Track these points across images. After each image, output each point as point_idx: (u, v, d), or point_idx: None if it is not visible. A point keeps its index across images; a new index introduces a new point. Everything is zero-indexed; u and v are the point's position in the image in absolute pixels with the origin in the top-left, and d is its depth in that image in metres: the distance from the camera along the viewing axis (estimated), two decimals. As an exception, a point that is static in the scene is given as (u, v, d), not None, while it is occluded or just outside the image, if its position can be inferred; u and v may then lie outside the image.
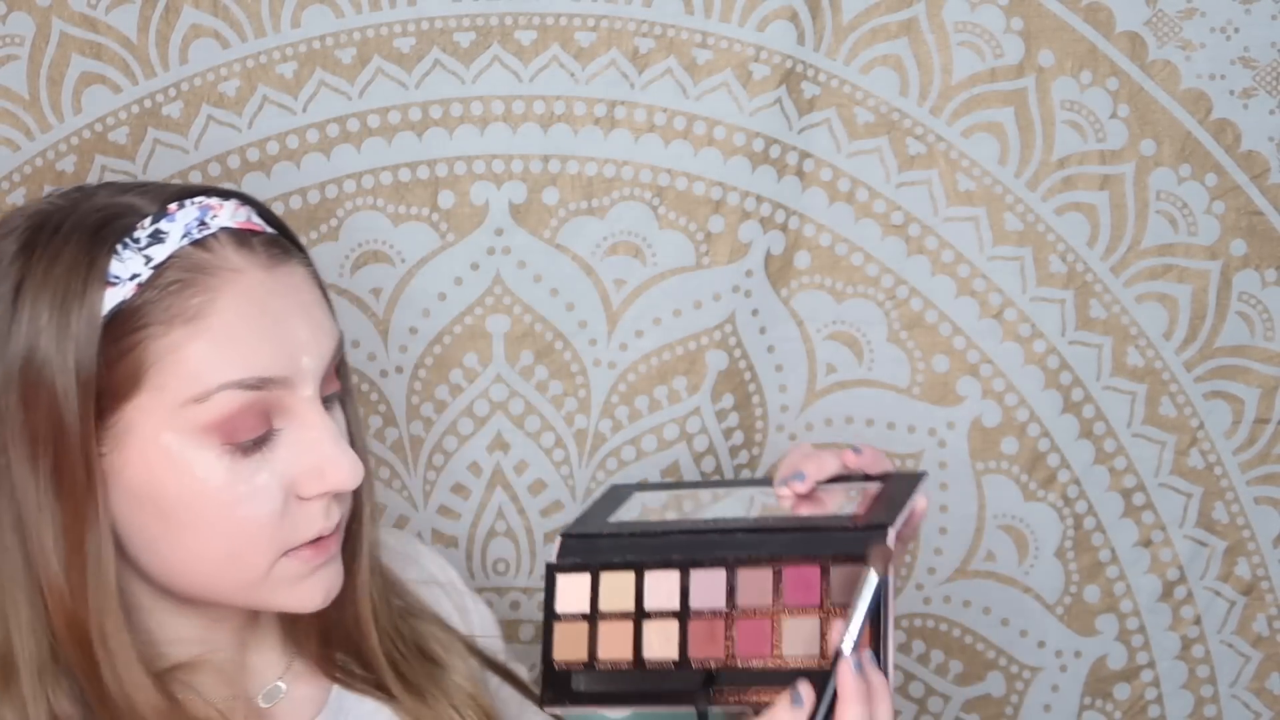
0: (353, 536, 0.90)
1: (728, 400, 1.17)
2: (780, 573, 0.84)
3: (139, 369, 0.80)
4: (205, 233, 0.83)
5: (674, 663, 0.84)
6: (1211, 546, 1.20)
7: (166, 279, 0.81)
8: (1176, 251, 1.18)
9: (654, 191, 1.15)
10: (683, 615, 0.85)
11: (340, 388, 0.87)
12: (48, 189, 1.12)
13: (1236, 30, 1.16)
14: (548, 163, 1.15)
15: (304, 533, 0.84)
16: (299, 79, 1.12)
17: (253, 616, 0.91)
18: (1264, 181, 1.17)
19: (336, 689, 0.93)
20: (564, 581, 0.88)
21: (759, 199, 1.16)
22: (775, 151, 1.16)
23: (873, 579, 0.80)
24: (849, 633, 0.79)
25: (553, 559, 0.89)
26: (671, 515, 0.92)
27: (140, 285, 0.81)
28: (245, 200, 0.88)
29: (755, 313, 1.17)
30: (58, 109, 1.11)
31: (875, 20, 1.15)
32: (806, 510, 0.89)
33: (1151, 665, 1.21)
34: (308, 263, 0.87)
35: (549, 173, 1.15)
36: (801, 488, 0.91)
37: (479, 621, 1.03)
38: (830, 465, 0.92)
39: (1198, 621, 1.20)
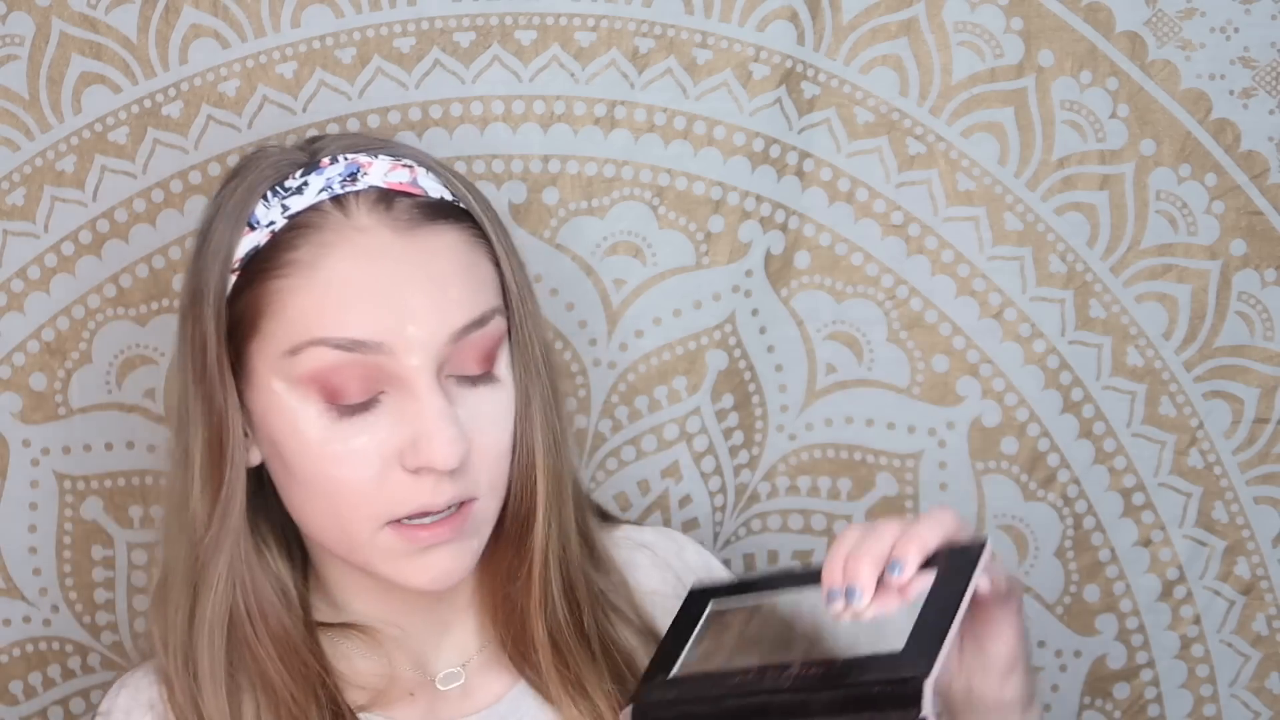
0: (524, 528, 0.89)
1: (728, 400, 1.17)
2: None
3: (256, 313, 0.84)
4: (349, 189, 0.84)
5: None
6: (1211, 546, 1.20)
7: (295, 230, 0.83)
8: (1176, 251, 1.18)
9: (654, 191, 1.15)
10: None
11: (488, 371, 0.85)
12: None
13: (1236, 30, 1.16)
14: (548, 163, 1.15)
15: (405, 505, 0.83)
16: (299, 79, 1.12)
17: (443, 594, 0.90)
18: (1264, 181, 1.17)
19: (520, 687, 0.91)
20: None
21: (759, 199, 1.16)
22: (775, 151, 1.16)
23: None
24: None
25: None
26: (737, 656, 0.87)
27: (273, 233, 0.84)
28: (423, 162, 0.88)
29: (755, 313, 1.17)
30: (58, 109, 1.11)
31: (875, 20, 1.15)
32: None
33: (1151, 665, 1.21)
34: (475, 233, 0.86)
35: (549, 173, 1.15)
36: (848, 616, 0.82)
37: (691, 565, 1.00)
38: (872, 574, 0.81)
39: (1197, 621, 1.20)
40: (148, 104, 1.11)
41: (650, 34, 1.14)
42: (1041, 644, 1.20)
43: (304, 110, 1.13)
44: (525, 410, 0.88)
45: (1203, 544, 1.20)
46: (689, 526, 1.17)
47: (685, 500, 1.18)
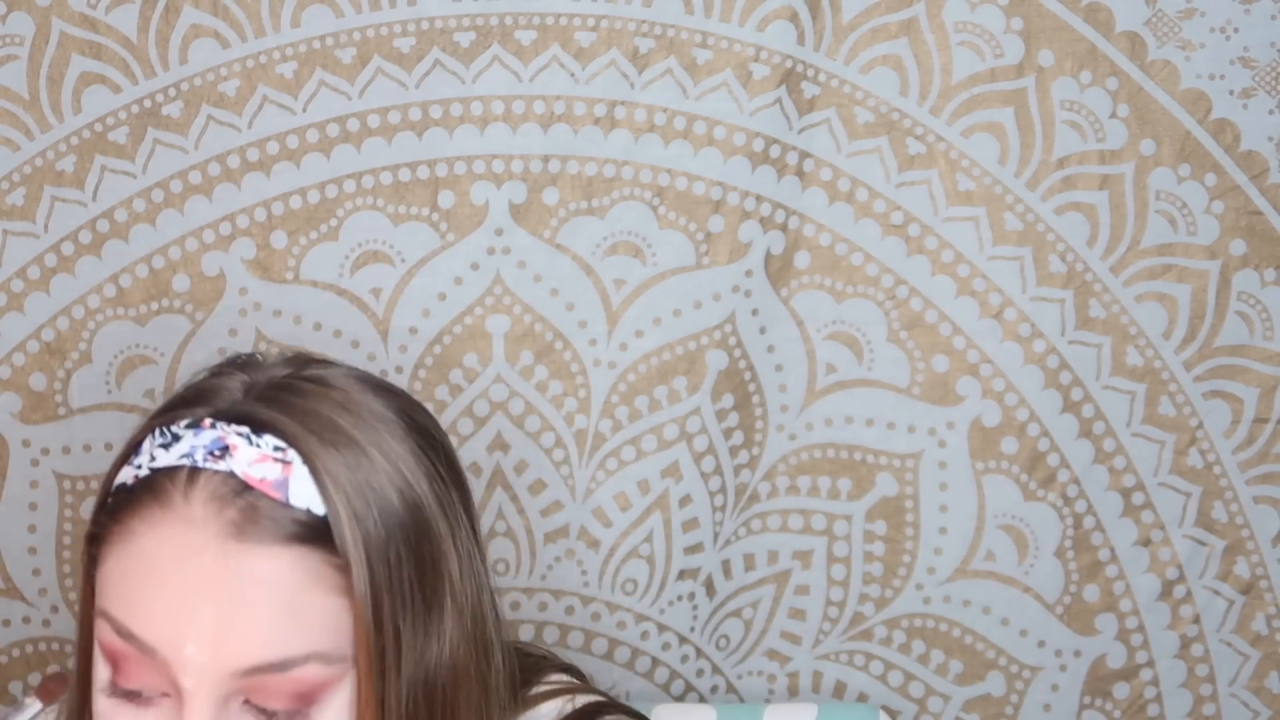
0: None
1: (728, 400, 1.17)
2: None
3: (98, 551, 0.77)
4: (209, 465, 0.75)
5: None
6: (1211, 546, 1.20)
7: (146, 486, 0.76)
8: (1176, 251, 1.18)
9: (654, 191, 1.15)
10: None
11: (300, 710, 0.74)
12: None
13: (1236, 30, 1.16)
14: (548, 163, 1.15)
15: None
16: (299, 79, 1.12)
17: None
18: (1263, 181, 1.17)
19: None
20: None
21: (759, 199, 1.16)
22: (775, 151, 1.16)
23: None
24: None
25: None
26: None
27: (137, 477, 0.76)
28: (312, 457, 0.75)
29: (755, 313, 1.17)
30: (58, 109, 1.11)
31: (875, 20, 1.15)
32: None
33: (1151, 664, 1.21)
34: (331, 562, 0.74)
35: (549, 173, 1.15)
36: None
37: None
38: None
39: (1197, 620, 1.20)
40: (148, 104, 1.11)
41: (650, 34, 1.14)
42: (1041, 644, 1.20)
43: (304, 110, 1.13)
44: None
45: (1202, 543, 1.20)
46: (689, 526, 1.18)
47: (685, 500, 1.18)
